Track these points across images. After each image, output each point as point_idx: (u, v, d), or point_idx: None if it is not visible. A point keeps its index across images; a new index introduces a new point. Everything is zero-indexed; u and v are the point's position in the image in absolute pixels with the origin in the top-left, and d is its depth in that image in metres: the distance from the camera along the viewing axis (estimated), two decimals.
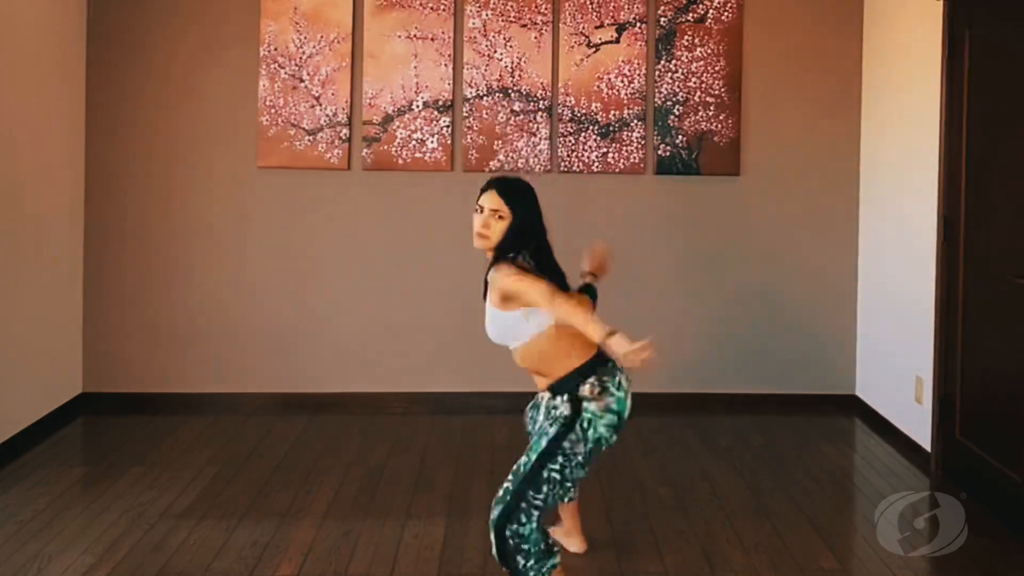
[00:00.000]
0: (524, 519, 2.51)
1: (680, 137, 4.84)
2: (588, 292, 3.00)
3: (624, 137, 4.84)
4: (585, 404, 2.55)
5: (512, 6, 4.80)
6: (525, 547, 2.51)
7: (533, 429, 2.82)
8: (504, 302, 2.57)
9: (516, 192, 2.65)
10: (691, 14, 4.83)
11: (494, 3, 4.80)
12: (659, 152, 4.85)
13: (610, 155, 4.83)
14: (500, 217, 2.61)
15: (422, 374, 4.89)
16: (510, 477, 2.56)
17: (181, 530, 3.26)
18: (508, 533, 2.51)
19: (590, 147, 4.82)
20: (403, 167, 4.81)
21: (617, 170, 4.83)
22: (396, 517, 3.42)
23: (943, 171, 3.91)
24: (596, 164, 4.82)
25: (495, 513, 2.53)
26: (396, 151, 4.80)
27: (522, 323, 2.59)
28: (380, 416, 4.74)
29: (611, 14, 4.82)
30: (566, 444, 2.53)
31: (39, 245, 4.30)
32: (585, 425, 2.55)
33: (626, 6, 4.82)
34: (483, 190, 2.67)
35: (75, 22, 4.64)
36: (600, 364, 2.60)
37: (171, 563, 3.01)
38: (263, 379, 4.84)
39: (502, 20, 4.81)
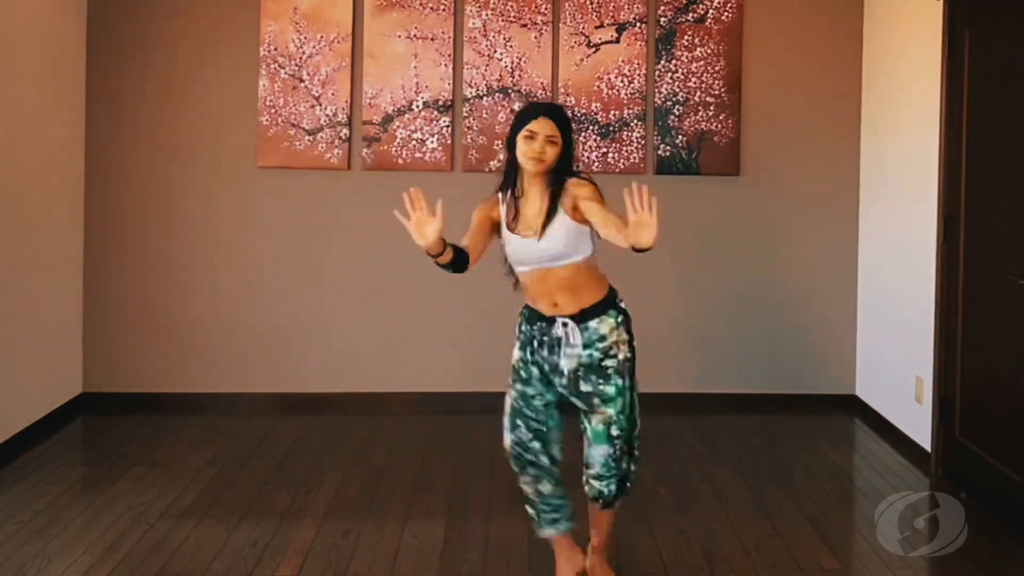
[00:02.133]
0: (637, 454, 2.74)
1: (680, 137, 4.84)
2: None
3: (624, 137, 4.84)
4: (630, 324, 2.71)
5: (512, 6, 4.80)
6: (636, 465, 2.75)
7: (545, 362, 2.72)
8: (575, 212, 2.63)
9: (565, 119, 2.74)
10: (691, 14, 4.83)
11: (494, 3, 4.80)
12: (659, 152, 4.85)
13: (610, 155, 4.83)
14: (554, 143, 2.67)
15: (422, 374, 4.89)
16: (617, 440, 2.65)
17: (181, 530, 3.26)
18: (632, 474, 2.73)
19: (590, 147, 4.82)
20: (403, 167, 4.81)
21: (617, 170, 4.83)
22: (396, 517, 3.42)
23: (943, 171, 3.91)
24: (596, 164, 4.82)
25: (623, 467, 2.68)
26: (396, 151, 4.80)
27: (587, 238, 2.67)
28: (380, 416, 4.74)
29: (611, 14, 4.82)
30: (636, 373, 2.70)
31: (39, 245, 4.30)
32: (635, 344, 2.72)
33: (626, 6, 4.82)
34: (530, 115, 2.69)
35: (75, 22, 4.64)
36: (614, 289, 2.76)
37: (171, 563, 3.01)
38: (263, 379, 4.84)
39: (502, 20, 4.81)
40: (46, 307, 4.38)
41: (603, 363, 2.65)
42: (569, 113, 4.75)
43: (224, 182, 4.81)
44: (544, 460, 2.74)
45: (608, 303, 2.70)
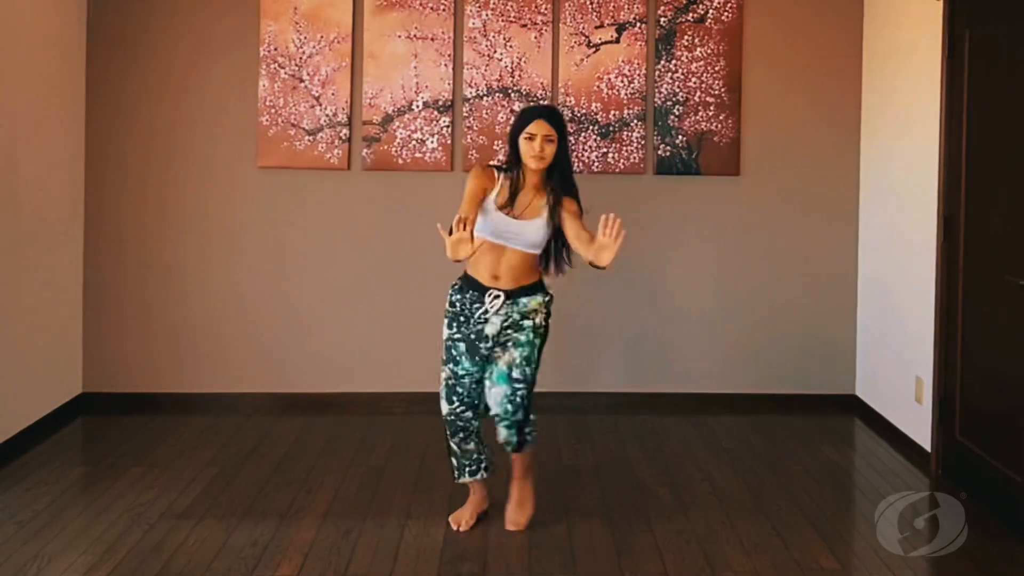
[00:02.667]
0: (534, 412, 3.24)
1: (680, 137, 4.84)
2: None
3: (624, 137, 4.84)
4: (551, 305, 3.24)
5: (512, 6, 4.80)
6: (533, 417, 3.25)
7: (472, 332, 3.22)
8: (550, 219, 3.13)
9: (560, 119, 3.17)
10: (691, 14, 4.83)
11: (494, 3, 4.80)
12: (659, 152, 4.85)
13: (610, 155, 4.83)
14: (551, 141, 3.10)
15: (422, 374, 4.88)
16: (518, 388, 3.14)
17: (181, 530, 3.26)
18: (532, 420, 3.22)
19: (590, 147, 4.82)
20: (403, 167, 4.81)
21: (617, 170, 4.83)
22: (396, 517, 3.42)
23: (943, 171, 3.91)
24: (596, 164, 4.82)
25: (519, 415, 3.16)
26: (396, 151, 4.80)
27: (545, 238, 3.19)
28: (380, 416, 4.74)
29: (611, 14, 4.82)
30: (546, 339, 3.23)
31: (39, 245, 4.30)
32: (550, 322, 3.26)
33: (626, 6, 4.82)
34: (528, 119, 3.12)
35: (75, 22, 4.64)
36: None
37: (171, 563, 3.01)
38: (263, 379, 4.84)
39: (502, 20, 4.81)
40: (46, 307, 4.38)
41: (521, 322, 3.16)
42: (569, 113, 4.78)
43: (224, 182, 4.81)
44: (472, 424, 3.27)
45: (539, 287, 3.22)
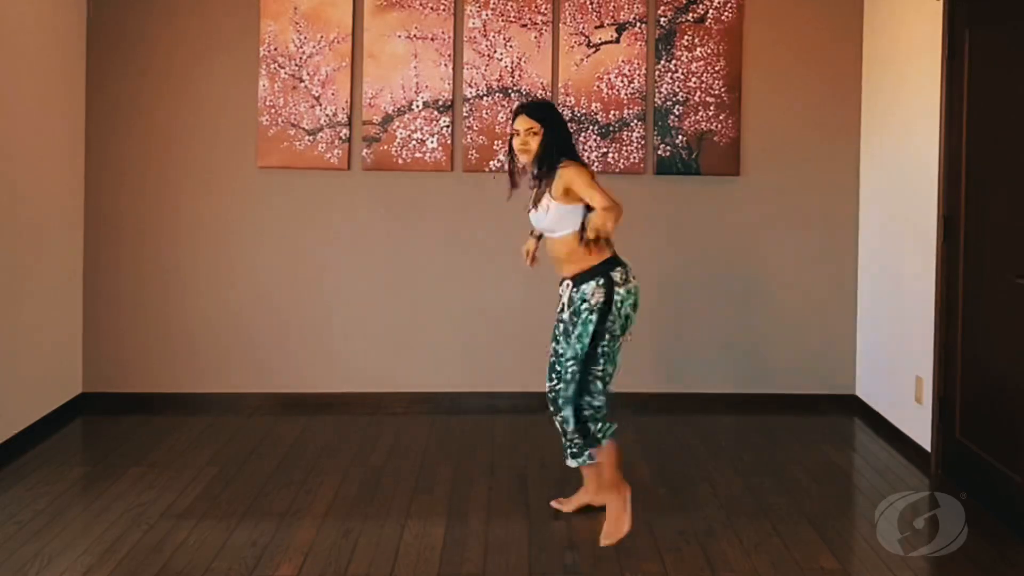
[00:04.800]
0: (593, 389, 3.19)
1: (680, 137, 4.84)
2: None
3: (624, 137, 4.84)
4: (616, 288, 3.15)
5: (512, 6, 4.80)
6: (598, 415, 3.21)
7: (559, 318, 3.34)
8: (565, 195, 3.14)
9: (540, 109, 3.29)
10: (691, 14, 4.83)
11: (494, 3, 4.80)
12: (659, 152, 4.85)
13: (610, 155, 4.83)
14: (535, 133, 3.20)
15: (422, 374, 4.89)
16: (568, 363, 3.17)
17: (181, 530, 3.26)
18: (584, 404, 3.18)
19: (590, 147, 4.82)
20: (403, 167, 4.81)
21: (617, 170, 4.83)
22: (396, 517, 3.42)
23: (943, 171, 3.91)
24: (596, 164, 4.82)
25: (568, 391, 3.16)
26: (396, 151, 4.80)
27: (575, 216, 3.16)
28: (380, 416, 4.74)
29: (611, 14, 4.82)
30: (608, 323, 3.15)
31: (39, 245, 4.30)
32: (619, 305, 3.16)
33: (626, 6, 4.82)
34: (514, 118, 3.27)
35: (75, 22, 4.64)
36: (619, 259, 3.24)
37: (171, 563, 3.01)
38: (263, 379, 4.84)
39: (502, 20, 4.81)
40: (46, 307, 4.38)
41: (580, 307, 3.18)
42: (569, 113, 4.78)
43: (224, 182, 4.81)
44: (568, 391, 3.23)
45: (597, 270, 3.18)
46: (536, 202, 3.26)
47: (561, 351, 3.28)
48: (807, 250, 4.93)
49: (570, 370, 3.17)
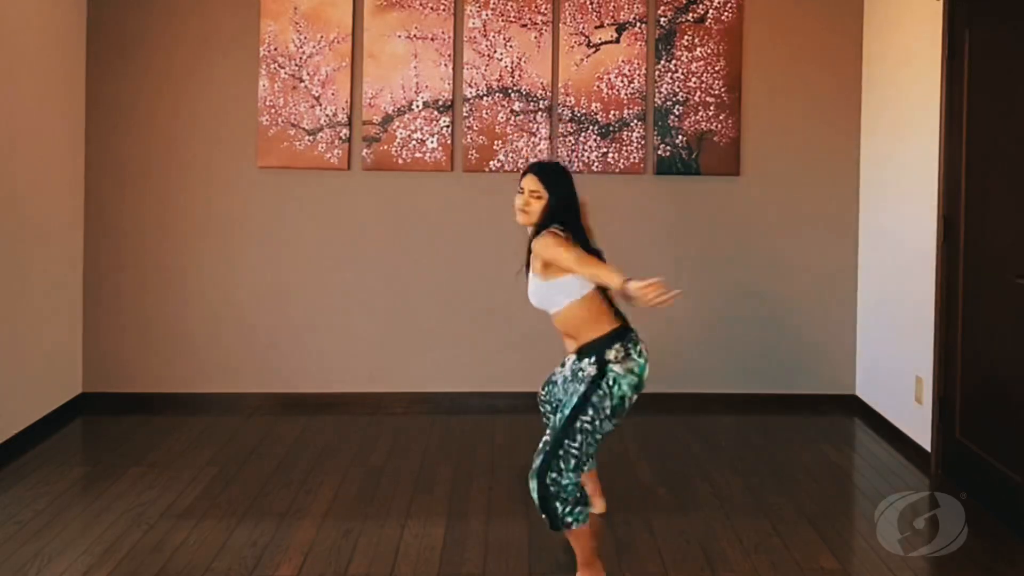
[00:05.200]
0: (563, 466, 2.81)
1: (680, 137, 4.84)
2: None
3: (624, 137, 4.84)
4: (610, 365, 2.86)
5: (512, 6, 4.80)
6: (564, 495, 2.80)
7: (551, 398, 3.26)
8: (545, 270, 2.89)
9: (552, 175, 3.00)
10: (691, 14, 4.83)
11: (494, 3, 4.80)
12: (659, 152, 4.85)
13: (610, 155, 4.83)
14: (538, 197, 2.96)
15: (422, 374, 4.89)
16: (547, 434, 2.88)
17: (181, 530, 3.26)
18: (548, 481, 2.80)
19: (590, 147, 4.82)
20: (403, 167, 4.81)
21: (617, 170, 4.83)
22: (396, 517, 3.42)
23: (943, 171, 3.91)
24: (596, 164, 4.82)
25: (536, 463, 2.82)
26: (396, 151, 4.80)
27: (558, 291, 2.90)
28: (380, 416, 4.74)
29: (611, 14, 4.82)
30: (595, 398, 2.84)
31: (39, 245, 4.30)
32: (611, 383, 2.85)
33: (626, 6, 4.82)
34: (523, 174, 3.02)
35: (75, 22, 4.64)
36: (624, 333, 2.94)
37: (171, 563, 3.01)
38: (263, 379, 4.84)
39: (502, 20, 4.81)
40: (46, 307, 4.38)
41: (573, 379, 2.95)
42: (569, 113, 4.78)
43: (224, 182, 4.81)
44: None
45: (596, 346, 2.89)
46: (532, 271, 3.00)
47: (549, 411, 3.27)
48: (807, 250, 4.94)
49: (544, 439, 2.87)
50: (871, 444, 4.41)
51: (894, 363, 4.45)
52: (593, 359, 2.88)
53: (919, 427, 4.12)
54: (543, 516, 2.84)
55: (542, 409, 3.34)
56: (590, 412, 2.83)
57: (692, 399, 4.91)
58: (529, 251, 2.96)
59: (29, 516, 3.36)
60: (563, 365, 3.20)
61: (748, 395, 4.93)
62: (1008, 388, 3.41)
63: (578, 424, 2.83)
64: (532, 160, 4.68)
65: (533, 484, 2.82)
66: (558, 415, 2.89)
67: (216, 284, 4.82)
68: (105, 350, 4.76)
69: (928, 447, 4.03)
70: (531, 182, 2.97)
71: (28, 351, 4.20)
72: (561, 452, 2.81)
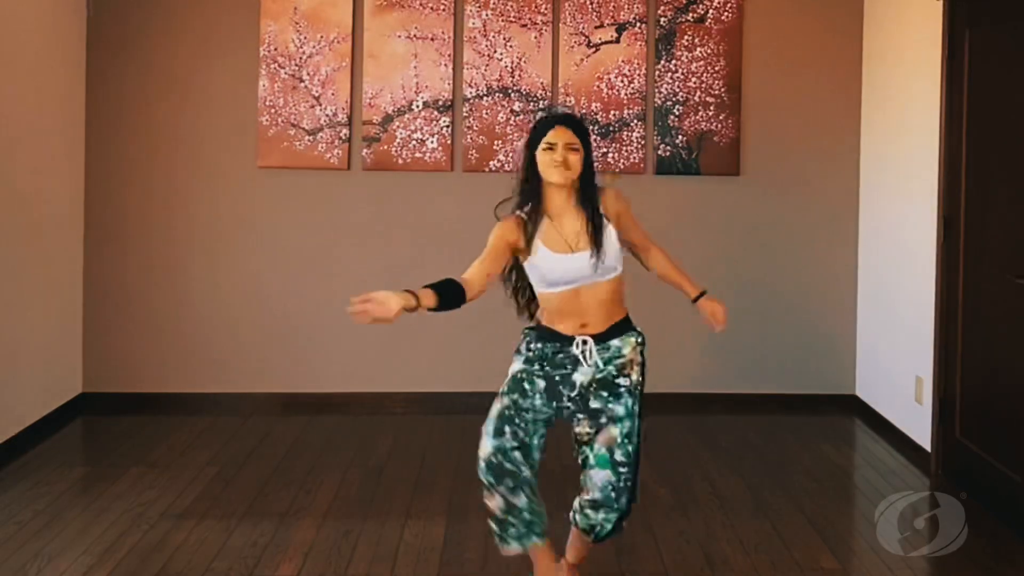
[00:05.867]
0: (638, 492, 2.61)
1: (680, 137, 4.84)
2: None
3: (624, 137, 4.84)
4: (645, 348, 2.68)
5: (512, 6, 4.80)
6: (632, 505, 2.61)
7: (556, 374, 2.64)
8: (617, 225, 2.66)
9: (583, 127, 2.69)
10: (691, 14, 4.83)
11: (494, 3, 4.80)
12: (659, 152, 4.85)
13: (610, 155, 4.83)
14: (575, 150, 2.60)
15: (422, 374, 4.89)
16: (622, 468, 2.54)
17: (181, 530, 3.26)
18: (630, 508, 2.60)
19: None
20: (403, 167, 4.81)
21: (617, 170, 4.83)
22: (396, 517, 3.42)
23: (943, 171, 3.91)
24: (596, 164, 4.80)
25: (623, 505, 2.56)
26: (396, 151, 4.80)
27: (618, 255, 2.65)
28: (380, 416, 4.74)
29: (611, 14, 4.82)
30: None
31: (39, 245, 4.30)
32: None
33: (626, 6, 4.82)
34: (545, 127, 2.61)
35: (75, 22, 4.64)
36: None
37: (171, 563, 3.01)
38: (263, 379, 4.84)
39: (502, 20, 4.81)
40: (46, 307, 4.38)
41: (616, 380, 2.60)
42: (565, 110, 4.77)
43: (224, 182, 4.81)
44: (525, 471, 2.56)
45: (630, 324, 2.69)
46: (564, 245, 2.59)
47: (530, 407, 2.60)
48: (807, 250, 4.93)
49: (625, 479, 2.55)
50: (871, 444, 4.41)
51: (894, 363, 4.44)
52: (641, 339, 2.66)
53: (919, 427, 4.12)
54: (609, 533, 2.61)
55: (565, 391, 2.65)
56: (643, 420, 2.60)
57: (692, 399, 4.91)
58: (551, 219, 2.61)
59: (29, 516, 3.36)
60: (555, 366, 2.64)
61: (748, 395, 4.92)
62: (1008, 388, 3.41)
63: (641, 441, 2.58)
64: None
65: (612, 522, 2.57)
66: (620, 446, 2.54)
67: (216, 284, 4.82)
68: (105, 350, 4.76)
69: (928, 447, 4.03)
70: (565, 134, 2.58)
71: (28, 351, 4.20)
72: (638, 480, 2.58)
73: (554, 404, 2.62)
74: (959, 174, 3.81)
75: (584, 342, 2.59)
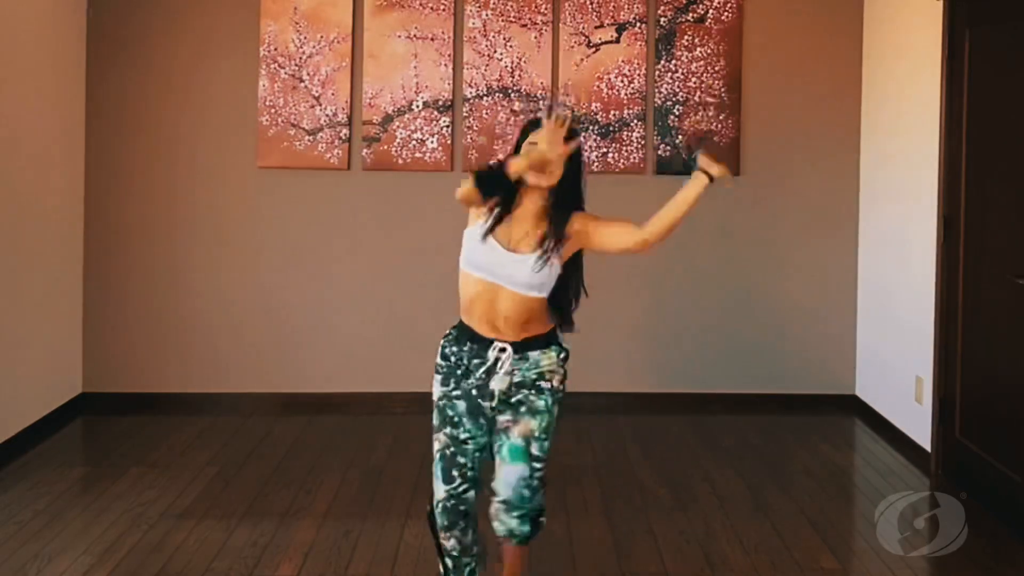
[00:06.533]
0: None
1: (680, 137, 4.84)
2: None
3: (624, 137, 4.84)
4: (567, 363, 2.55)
5: (512, 6, 4.80)
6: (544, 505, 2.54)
7: (473, 388, 2.52)
8: (568, 250, 2.49)
9: (574, 135, 2.52)
10: (691, 14, 4.83)
11: (494, 3, 4.80)
12: (659, 152, 4.85)
13: (610, 155, 4.83)
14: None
15: (422, 374, 4.84)
16: (536, 463, 2.46)
17: (181, 530, 3.26)
18: (542, 512, 2.52)
19: (590, 147, 4.81)
20: (403, 167, 4.81)
21: (617, 170, 4.83)
22: (396, 517, 3.42)
23: (943, 171, 3.91)
24: (596, 164, 4.82)
25: (536, 503, 2.48)
26: (396, 151, 4.80)
27: (554, 279, 2.48)
28: (380, 416, 4.74)
29: (611, 14, 4.82)
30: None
31: (39, 245, 4.30)
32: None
33: (626, 6, 4.82)
34: (534, 125, 2.51)
35: (75, 22, 4.64)
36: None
37: (171, 563, 3.01)
38: (263, 379, 4.83)
39: (502, 20, 4.81)
40: (46, 307, 4.38)
41: (536, 382, 2.49)
42: (569, 113, 4.77)
43: (224, 182, 4.81)
44: (473, 508, 2.51)
45: (552, 337, 2.54)
46: (515, 241, 2.48)
47: (467, 435, 2.49)
48: (807, 250, 4.93)
49: (537, 476, 2.48)
50: (871, 444, 4.41)
51: (894, 363, 4.44)
52: (564, 354, 2.53)
53: (919, 427, 4.12)
54: (529, 535, 2.51)
55: (469, 448, 2.51)
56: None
57: (692, 399, 4.91)
58: (510, 208, 2.51)
59: (29, 516, 3.36)
60: (466, 373, 2.52)
61: (748, 395, 4.92)
62: (1008, 388, 3.41)
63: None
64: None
65: (527, 523, 2.48)
66: (539, 436, 2.46)
67: (216, 284, 4.82)
68: (105, 350, 4.76)
69: (928, 447, 4.03)
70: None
71: (28, 351, 4.20)
72: (544, 482, 2.50)
73: (480, 421, 2.50)
74: (959, 174, 3.81)
75: (503, 350, 2.47)
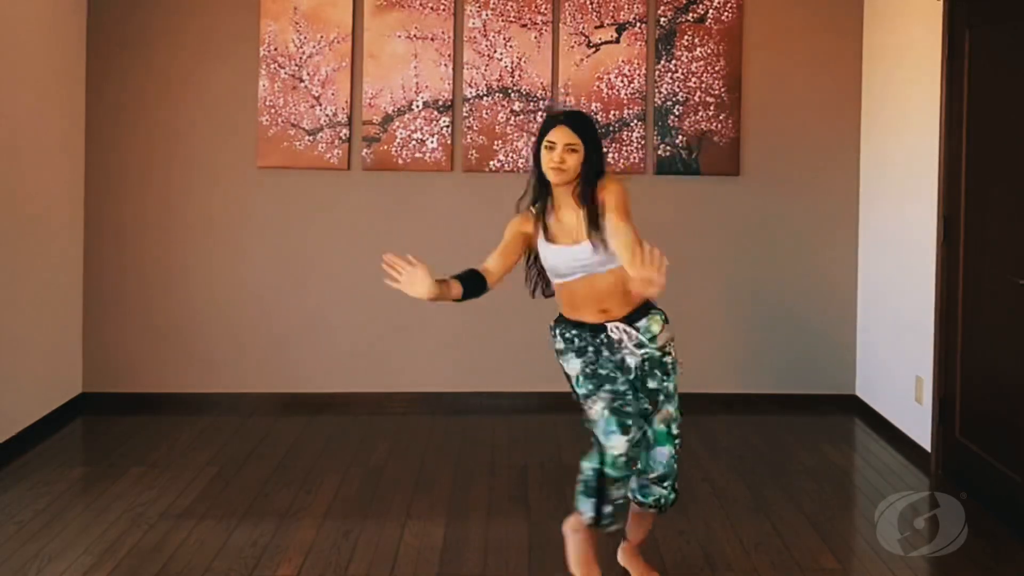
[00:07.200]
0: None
1: (680, 137, 4.84)
2: None
3: (624, 137, 4.84)
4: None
5: (512, 6, 4.80)
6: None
7: (611, 360, 2.72)
8: (596, 233, 2.65)
9: (585, 123, 2.72)
10: (691, 14, 4.83)
11: (494, 3, 4.80)
12: (659, 152, 4.85)
13: (610, 155, 4.83)
14: (573, 150, 2.66)
15: (422, 374, 4.89)
16: (677, 440, 2.76)
17: (181, 530, 3.26)
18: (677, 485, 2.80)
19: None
20: (403, 167, 4.81)
21: (617, 170, 4.83)
22: (396, 517, 3.42)
23: (943, 171, 3.91)
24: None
25: (677, 472, 2.78)
26: (396, 151, 4.80)
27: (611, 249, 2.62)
28: (380, 416, 4.74)
29: (611, 14, 4.82)
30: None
31: (39, 245, 4.30)
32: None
33: (626, 6, 4.82)
34: (549, 125, 2.69)
35: (75, 22, 4.64)
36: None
37: (171, 563, 3.01)
38: (263, 379, 4.84)
39: (502, 20, 4.81)
40: (46, 307, 4.38)
41: (663, 359, 2.74)
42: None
43: (224, 182, 4.81)
44: (638, 456, 2.74)
45: (648, 305, 2.74)
46: (572, 236, 2.67)
47: (626, 387, 2.69)
48: (807, 250, 4.93)
49: (678, 449, 2.78)
50: (871, 444, 4.41)
51: (894, 363, 4.45)
52: (665, 316, 2.75)
53: (919, 427, 4.12)
54: (673, 501, 2.79)
55: (634, 423, 2.66)
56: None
57: (692, 399, 4.87)
58: (555, 212, 2.69)
59: (29, 516, 3.36)
60: (598, 351, 2.73)
61: (748, 395, 4.93)
62: (1008, 388, 3.41)
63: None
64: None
65: (671, 490, 2.77)
66: (675, 420, 2.75)
67: (216, 284, 4.82)
68: (105, 350, 4.76)
69: (928, 447, 4.03)
70: (565, 134, 2.65)
71: (28, 351, 4.20)
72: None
73: (629, 380, 2.71)
74: (959, 174, 3.81)
75: (616, 327, 2.69)
